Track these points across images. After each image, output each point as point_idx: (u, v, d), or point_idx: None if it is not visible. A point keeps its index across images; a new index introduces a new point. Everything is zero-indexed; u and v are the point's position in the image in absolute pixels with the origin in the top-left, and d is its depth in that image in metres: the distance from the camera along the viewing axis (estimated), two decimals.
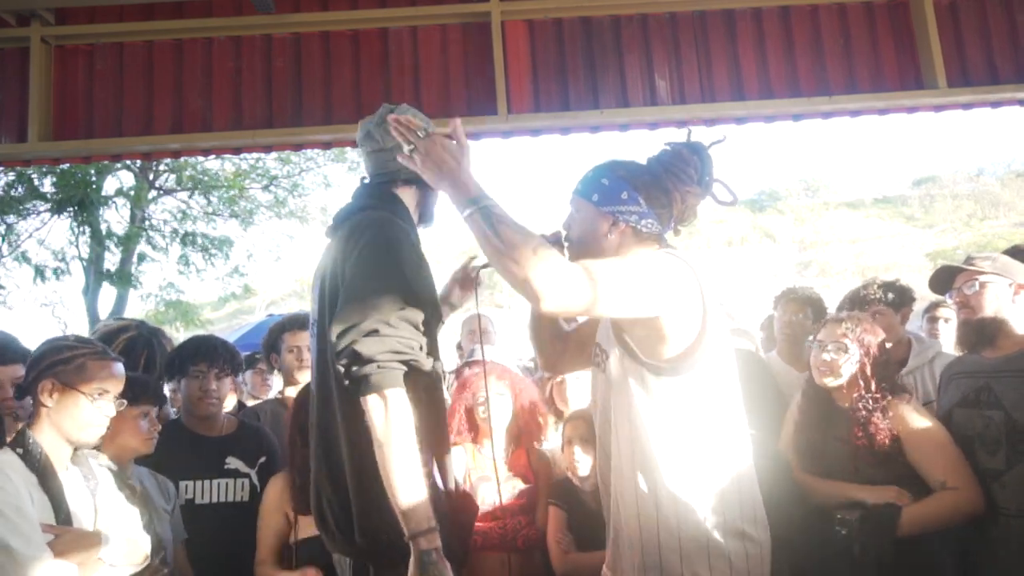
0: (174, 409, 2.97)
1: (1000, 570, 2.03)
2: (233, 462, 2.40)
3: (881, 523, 2.04)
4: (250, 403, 3.77)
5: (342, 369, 1.46)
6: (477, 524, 2.40)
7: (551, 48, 3.67)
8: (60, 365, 1.72)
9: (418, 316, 1.49)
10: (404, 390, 1.45)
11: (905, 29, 3.72)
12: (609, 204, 1.63)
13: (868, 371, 2.20)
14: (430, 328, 1.55)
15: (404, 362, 1.46)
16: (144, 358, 2.63)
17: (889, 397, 2.19)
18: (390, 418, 1.42)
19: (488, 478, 2.45)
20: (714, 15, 3.70)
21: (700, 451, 1.54)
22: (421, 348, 1.50)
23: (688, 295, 1.52)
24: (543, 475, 2.57)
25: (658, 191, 1.64)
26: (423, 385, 1.56)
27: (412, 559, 1.40)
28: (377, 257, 1.53)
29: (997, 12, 3.73)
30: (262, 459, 2.45)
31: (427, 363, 1.51)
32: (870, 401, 2.17)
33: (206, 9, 3.65)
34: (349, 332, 1.45)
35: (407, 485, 1.41)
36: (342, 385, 1.49)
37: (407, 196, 1.76)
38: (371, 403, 1.43)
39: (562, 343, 1.94)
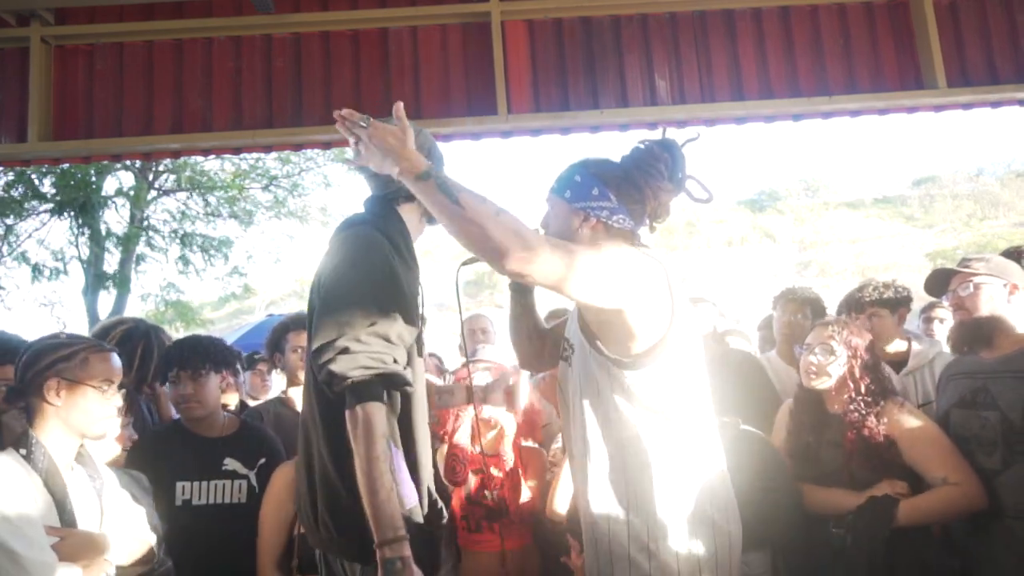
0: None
1: (997, 570, 2.03)
2: (231, 463, 2.39)
3: (878, 514, 2.05)
4: (250, 403, 3.76)
5: (325, 387, 1.54)
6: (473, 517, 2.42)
7: (551, 48, 3.67)
8: (62, 362, 1.70)
9: (389, 329, 1.54)
10: (379, 403, 1.50)
11: (905, 29, 3.72)
12: (580, 200, 1.67)
13: (856, 373, 2.21)
14: (406, 341, 1.59)
15: (379, 375, 1.50)
16: (142, 348, 2.63)
17: (881, 401, 2.19)
18: (361, 431, 1.48)
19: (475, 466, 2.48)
20: (714, 15, 3.70)
21: (665, 443, 1.57)
22: (395, 360, 1.54)
23: (656, 291, 1.56)
24: (532, 466, 2.57)
25: (630, 187, 1.68)
26: (402, 404, 1.62)
27: (379, 567, 1.44)
28: (349, 274, 1.59)
29: (997, 12, 3.73)
30: (262, 460, 2.44)
31: (402, 376, 1.56)
32: (862, 404, 2.18)
33: (206, 9, 3.65)
34: (324, 351, 1.52)
35: (375, 496, 1.46)
36: (321, 390, 1.57)
37: (408, 211, 1.80)
38: (348, 418, 1.50)
39: (540, 341, 1.96)
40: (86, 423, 1.71)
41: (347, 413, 1.50)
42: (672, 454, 1.57)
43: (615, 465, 1.60)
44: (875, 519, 2.05)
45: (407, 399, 1.66)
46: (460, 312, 1.96)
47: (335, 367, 1.49)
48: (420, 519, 1.64)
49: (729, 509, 1.63)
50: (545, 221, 1.76)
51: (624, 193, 1.67)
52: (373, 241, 1.65)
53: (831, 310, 3.13)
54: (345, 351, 1.49)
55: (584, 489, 1.67)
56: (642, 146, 1.73)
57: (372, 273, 1.59)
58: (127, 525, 1.78)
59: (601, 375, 1.61)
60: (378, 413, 1.50)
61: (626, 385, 1.58)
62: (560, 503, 2.36)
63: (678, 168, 1.70)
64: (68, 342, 1.76)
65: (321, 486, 1.59)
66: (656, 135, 1.76)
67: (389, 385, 1.53)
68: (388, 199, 1.78)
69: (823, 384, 2.25)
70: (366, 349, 1.50)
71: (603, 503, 1.62)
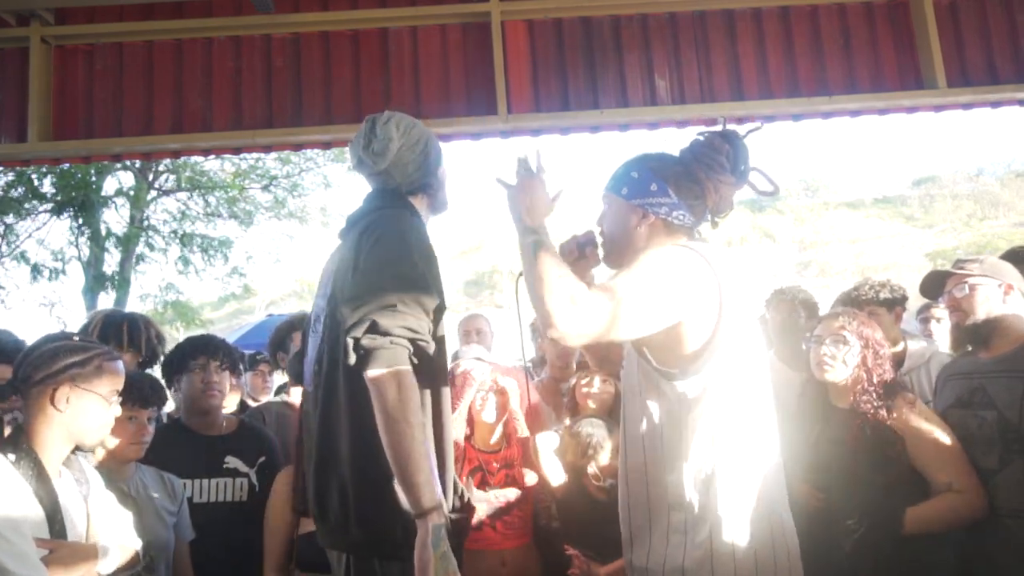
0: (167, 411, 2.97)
1: (994, 568, 2.04)
2: (232, 461, 2.39)
3: (884, 520, 2.04)
4: (250, 404, 3.76)
5: (351, 341, 1.46)
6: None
7: (551, 48, 3.67)
8: (77, 367, 1.64)
9: (429, 303, 1.53)
10: (409, 369, 1.47)
11: (905, 29, 3.72)
12: (638, 196, 1.61)
13: (869, 363, 2.19)
14: (437, 320, 1.58)
15: (413, 342, 1.47)
16: (127, 325, 2.64)
17: (894, 396, 2.18)
18: (402, 393, 1.43)
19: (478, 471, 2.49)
20: (714, 15, 3.70)
21: (711, 456, 1.50)
22: (429, 332, 1.53)
23: (701, 294, 1.48)
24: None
25: (689, 181, 1.61)
26: (432, 381, 1.58)
27: (420, 536, 1.40)
28: (392, 248, 1.56)
29: (997, 12, 3.73)
30: (262, 459, 2.45)
31: (431, 348, 1.54)
32: (875, 395, 2.16)
33: (206, 9, 3.65)
34: (364, 306, 1.46)
35: (418, 460, 1.41)
36: (348, 372, 1.50)
37: (416, 202, 1.79)
38: (382, 377, 1.44)
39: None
40: (85, 432, 1.66)
41: (377, 373, 1.43)
42: (717, 467, 1.49)
43: (659, 475, 1.54)
44: (881, 524, 2.04)
45: (435, 388, 1.62)
46: (520, 321, 1.79)
47: (379, 318, 1.44)
48: (448, 508, 1.61)
49: (774, 527, 1.52)
50: (600, 220, 1.71)
51: (684, 188, 1.60)
52: (415, 223, 1.66)
53: (827, 311, 3.14)
54: (391, 307, 1.45)
55: (631, 495, 1.63)
56: (702, 139, 1.67)
57: (416, 251, 1.57)
58: (113, 530, 1.73)
59: (649, 384, 1.56)
60: (411, 377, 1.46)
61: (673, 394, 1.52)
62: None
63: (740, 160, 1.63)
64: (84, 347, 1.70)
65: (358, 482, 1.52)
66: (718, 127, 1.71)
67: (417, 356, 1.49)
68: (399, 192, 1.76)
69: (838, 375, 2.21)
70: (412, 312, 1.48)
71: (646, 510, 1.57)
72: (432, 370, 1.58)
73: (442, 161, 1.85)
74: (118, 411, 1.74)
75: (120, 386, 1.73)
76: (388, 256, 1.55)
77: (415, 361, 1.50)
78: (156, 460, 2.22)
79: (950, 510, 2.06)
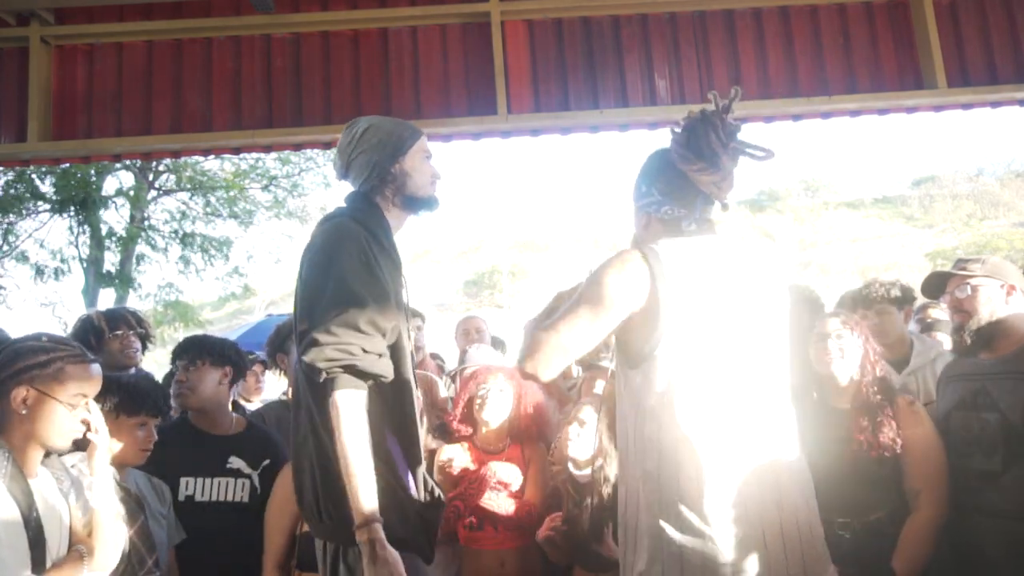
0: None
1: (998, 572, 2.03)
2: (236, 462, 2.39)
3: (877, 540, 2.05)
4: (243, 404, 3.73)
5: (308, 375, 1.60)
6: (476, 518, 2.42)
7: (551, 48, 3.67)
8: (36, 369, 1.57)
9: (359, 318, 1.55)
10: (355, 391, 1.55)
11: (905, 29, 3.72)
12: (638, 200, 1.72)
13: (871, 357, 2.23)
14: (386, 329, 1.61)
15: (344, 366, 1.53)
16: (96, 314, 2.75)
17: (894, 395, 2.20)
18: (339, 419, 1.53)
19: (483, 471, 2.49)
20: (714, 15, 3.71)
21: (649, 439, 1.51)
22: (366, 350, 1.55)
23: (635, 295, 1.53)
24: (536, 462, 2.57)
25: (670, 176, 1.66)
26: (390, 385, 1.63)
27: (362, 548, 1.49)
28: (324, 264, 1.62)
29: (997, 12, 3.73)
30: (266, 461, 2.44)
31: (374, 365, 1.57)
32: (877, 392, 2.18)
33: (205, 9, 3.65)
34: (300, 345, 1.57)
35: (354, 479, 1.50)
36: (310, 378, 1.60)
37: (383, 202, 1.80)
38: (328, 405, 1.55)
39: None
40: (48, 436, 1.59)
41: (327, 402, 1.55)
42: (652, 450, 1.51)
43: (620, 456, 1.63)
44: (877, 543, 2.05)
45: (399, 389, 1.66)
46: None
47: (307, 357, 1.54)
48: (417, 507, 1.66)
49: (715, 509, 1.47)
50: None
51: (666, 183, 1.66)
52: (348, 231, 1.66)
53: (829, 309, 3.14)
54: (315, 343, 1.53)
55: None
56: (674, 131, 1.70)
57: (345, 262, 1.60)
58: (96, 532, 1.68)
59: (619, 375, 1.64)
60: (349, 401, 1.53)
61: (628, 383, 1.58)
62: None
63: (702, 144, 1.62)
64: (47, 347, 1.63)
65: (321, 473, 1.60)
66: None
67: (357, 376, 1.55)
68: (367, 193, 1.80)
69: (846, 369, 2.24)
70: (334, 341, 1.52)
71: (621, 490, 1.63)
72: (390, 380, 1.63)
73: (403, 154, 1.80)
74: (84, 414, 1.66)
75: (89, 389, 1.66)
76: (317, 277, 1.61)
77: (358, 377, 1.56)
78: (160, 456, 2.19)
79: (926, 541, 2.09)
